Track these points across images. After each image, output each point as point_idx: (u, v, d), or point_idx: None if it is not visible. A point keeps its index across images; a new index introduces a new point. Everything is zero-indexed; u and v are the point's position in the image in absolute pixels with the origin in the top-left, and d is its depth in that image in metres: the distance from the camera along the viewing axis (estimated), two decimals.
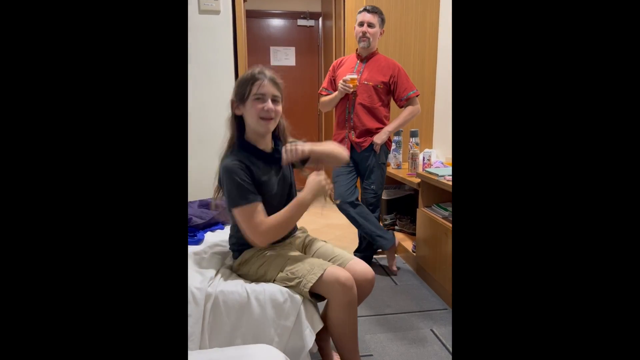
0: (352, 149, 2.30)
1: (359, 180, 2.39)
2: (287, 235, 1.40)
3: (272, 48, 4.54)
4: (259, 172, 1.27)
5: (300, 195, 1.27)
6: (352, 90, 2.20)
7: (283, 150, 1.27)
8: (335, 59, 3.55)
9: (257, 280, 1.30)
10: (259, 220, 1.21)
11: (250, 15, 4.30)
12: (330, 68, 2.41)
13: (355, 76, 2.20)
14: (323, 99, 2.39)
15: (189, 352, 0.86)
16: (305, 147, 1.28)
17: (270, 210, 1.26)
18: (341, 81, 2.21)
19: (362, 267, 1.33)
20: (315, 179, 1.27)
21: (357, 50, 2.32)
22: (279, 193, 1.33)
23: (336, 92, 2.28)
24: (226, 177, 1.22)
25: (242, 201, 1.20)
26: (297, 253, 1.35)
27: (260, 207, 1.22)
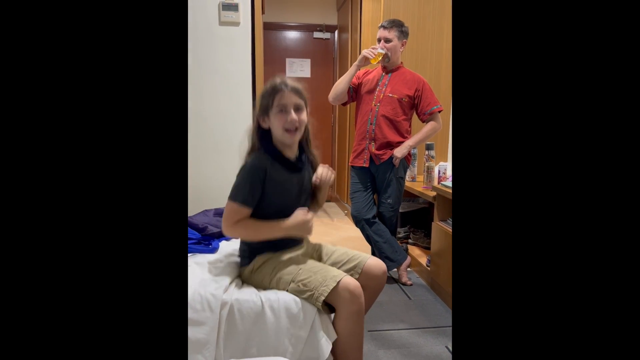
0: (370, 161, 2.29)
1: (376, 196, 2.37)
2: (295, 243, 1.40)
3: (287, 59, 4.59)
4: (277, 175, 1.29)
5: (283, 223, 1.30)
6: (375, 62, 2.19)
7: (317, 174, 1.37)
8: None
9: (270, 288, 1.29)
10: (237, 218, 1.28)
11: (268, 27, 4.36)
12: (355, 76, 2.40)
13: (383, 51, 2.19)
14: (337, 81, 2.35)
15: None
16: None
17: (283, 210, 1.29)
18: (369, 49, 2.19)
19: (375, 261, 1.42)
20: (305, 217, 1.30)
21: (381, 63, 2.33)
22: (294, 196, 1.35)
23: (352, 67, 2.25)
24: (244, 171, 1.28)
25: (238, 198, 1.26)
26: (311, 261, 1.34)
27: (246, 212, 1.28)
